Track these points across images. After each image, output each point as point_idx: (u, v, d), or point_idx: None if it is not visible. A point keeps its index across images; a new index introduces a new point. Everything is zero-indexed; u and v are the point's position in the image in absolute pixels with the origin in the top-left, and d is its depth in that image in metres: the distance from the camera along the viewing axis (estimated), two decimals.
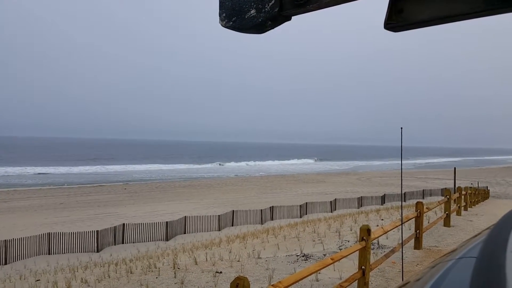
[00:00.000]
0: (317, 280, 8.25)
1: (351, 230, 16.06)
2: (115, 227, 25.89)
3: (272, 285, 4.39)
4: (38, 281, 12.94)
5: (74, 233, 24.20)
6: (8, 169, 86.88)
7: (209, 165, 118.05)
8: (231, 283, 4.08)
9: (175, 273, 9.68)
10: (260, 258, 11.44)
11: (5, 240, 21.89)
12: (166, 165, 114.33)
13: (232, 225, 31.40)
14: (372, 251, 10.57)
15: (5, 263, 21.53)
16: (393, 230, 11.37)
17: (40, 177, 77.94)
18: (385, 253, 10.04)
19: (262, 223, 32.01)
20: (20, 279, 15.79)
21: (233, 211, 32.11)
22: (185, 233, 28.91)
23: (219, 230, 29.76)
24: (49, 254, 23.29)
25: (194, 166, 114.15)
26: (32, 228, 28.87)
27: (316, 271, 5.35)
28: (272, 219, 33.59)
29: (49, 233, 23.77)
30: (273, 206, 34.42)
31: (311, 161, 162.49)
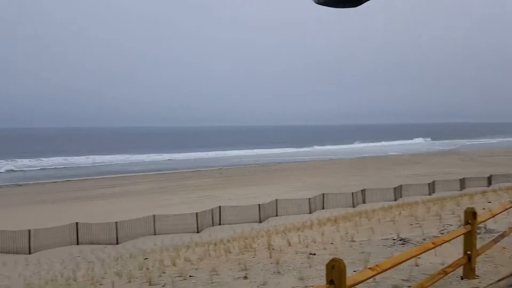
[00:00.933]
0: (417, 265, 7.90)
1: (453, 214, 15.06)
2: (212, 209, 27.25)
3: (369, 268, 4.30)
4: (146, 259, 14.14)
5: (176, 215, 25.96)
6: (116, 157, 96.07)
7: (304, 149, 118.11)
8: (326, 265, 4.06)
9: (270, 253, 9.93)
10: (354, 241, 11.25)
11: (116, 222, 24.21)
12: (261, 149, 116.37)
13: (323, 208, 31.27)
14: (478, 236, 9.83)
15: (117, 243, 23.82)
16: (502, 213, 10.44)
17: (145, 163, 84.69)
18: (493, 237, 9.27)
19: (354, 206, 31.41)
20: (130, 257, 17.43)
21: (323, 194, 31.92)
22: (276, 215, 29.47)
23: (310, 213, 29.82)
24: (154, 234, 25.27)
25: (288, 150, 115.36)
26: (140, 210, 31.51)
27: (416, 256, 5.12)
28: (364, 202, 32.79)
29: (154, 215, 25.77)
30: (364, 189, 33.54)
31: (420, 140, 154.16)
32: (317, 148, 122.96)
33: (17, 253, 22.26)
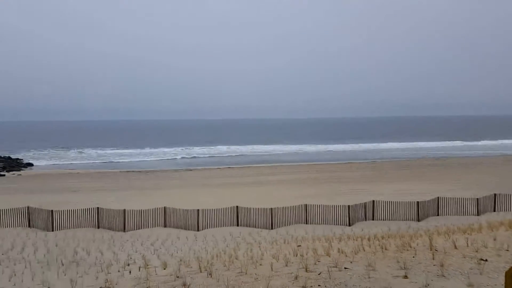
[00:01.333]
0: None
1: None
2: (365, 203, 26.55)
3: None
4: (299, 247, 14.53)
5: (328, 206, 26.03)
6: (276, 147, 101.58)
7: (472, 143, 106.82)
8: (506, 272, 3.53)
9: (433, 254, 9.21)
10: None
11: (271, 208, 25.43)
12: (415, 142, 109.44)
13: (494, 211, 27.68)
14: None
15: (272, 228, 25.03)
16: None
17: (296, 154, 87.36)
18: None
19: None
20: (284, 243, 18.12)
21: (495, 194, 28.24)
22: (438, 215, 27.19)
23: (477, 214, 26.74)
24: (306, 223, 25.81)
25: (451, 143, 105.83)
26: (293, 199, 32.53)
27: None
28: None
29: (306, 204, 26.30)
30: None
31: None
32: (487, 142, 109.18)
33: (187, 229, 25.20)
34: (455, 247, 10.12)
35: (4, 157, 75.84)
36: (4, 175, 58.00)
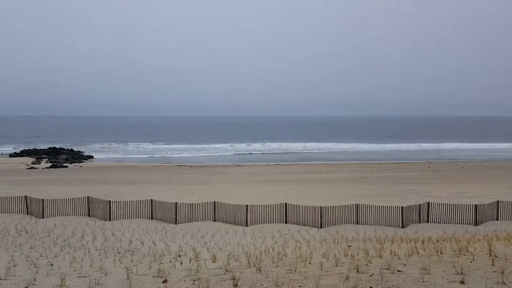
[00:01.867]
0: None
1: None
2: (419, 205, 25.60)
3: None
4: (349, 247, 14.27)
5: (380, 206, 25.35)
6: (326, 145, 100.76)
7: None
8: None
9: (492, 261, 8.72)
10: None
11: (320, 207, 25.15)
12: (477, 144, 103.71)
13: None
14: None
15: (321, 227, 24.75)
16: None
17: (347, 152, 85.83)
18: None
19: None
20: (333, 242, 17.87)
21: None
22: (497, 219, 25.71)
23: None
24: (357, 223, 25.28)
25: (504, 145, 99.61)
26: (342, 198, 32.01)
27: None
28: None
29: (357, 204, 25.77)
30: None
31: None
32: None
33: (236, 224, 25.51)
34: None
35: (67, 150, 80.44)
36: (67, 166, 61.57)
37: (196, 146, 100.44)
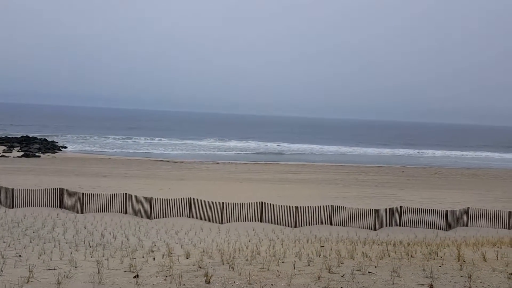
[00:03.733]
0: None
1: None
2: (392, 209, 26.07)
3: None
4: (322, 247, 14.41)
5: (353, 208, 25.70)
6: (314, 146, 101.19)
7: (493, 154, 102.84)
8: None
9: (460, 265, 8.95)
10: None
11: (296, 207, 25.31)
12: (463, 152, 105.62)
13: None
14: None
15: (295, 226, 24.91)
16: None
17: (326, 155, 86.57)
18: None
19: None
20: (307, 242, 18.03)
21: None
22: (467, 225, 26.43)
23: (509, 228, 25.83)
24: (330, 224, 25.55)
25: (475, 154, 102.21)
26: (317, 199, 32.30)
27: None
28: None
29: (332, 205, 26.05)
30: None
31: None
32: None
33: (211, 221, 25.42)
34: (484, 260, 9.81)
35: (40, 139, 78.57)
36: (39, 156, 60.15)
37: (176, 141, 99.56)
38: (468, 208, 26.98)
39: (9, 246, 13.88)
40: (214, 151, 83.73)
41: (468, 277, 7.87)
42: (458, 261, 9.65)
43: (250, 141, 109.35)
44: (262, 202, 26.08)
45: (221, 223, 25.21)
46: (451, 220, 25.50)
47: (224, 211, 25.52)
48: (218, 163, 62.50)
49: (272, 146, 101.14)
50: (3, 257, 11.25)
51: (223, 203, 25.59)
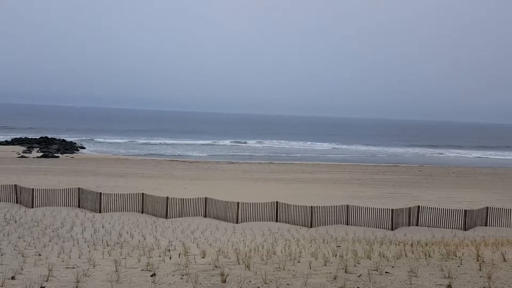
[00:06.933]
0: None
1: None
2: (409, 208, 25.77)
3: None
4: (338, 247, 14.33)
5: (370, 208, 25.47)
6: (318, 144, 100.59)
7: None
8: None
9: (480, 266, 8.79)
10: None
11: (311, 206, 25.20)
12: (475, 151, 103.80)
13: None
14: None
15: (311, 226, 24.81)
16: None
17: (343, 154, 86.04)
18: None
19: None
20: (323, 242, 17.94)
21: None
22: (486, 225, 25.96)
23: None
24: (347, 224, 25.37)
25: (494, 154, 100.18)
26: (333, 199, 32.13)
27: None
28: None
29: (348, 205, 25.87)
30: None
31: None
32: None
33: (227, 221, 25.50)
34: (504, 260, 9.61)
35: (58, 140, 79.84)
36: (58, 156, 61.16)
37: (191, 142, 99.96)
38: (487, 207, 26.49)
39: (29, 245, 14.15)
40: (229, 152, 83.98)
41: (488, 278, 7.74)
42: (477, 261, 9.48)
43: (265, 141, 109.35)
44: (277, 202, 26.05)
45: (237, 222, 25.27)
46: (469, 220, 25.08)
47: (240, 211, 25.57)
48: (233, 162, 62.66)
49: (287, 145, 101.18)
50: (23, 256, 11.48)
51: (238, 202, 25.65)
